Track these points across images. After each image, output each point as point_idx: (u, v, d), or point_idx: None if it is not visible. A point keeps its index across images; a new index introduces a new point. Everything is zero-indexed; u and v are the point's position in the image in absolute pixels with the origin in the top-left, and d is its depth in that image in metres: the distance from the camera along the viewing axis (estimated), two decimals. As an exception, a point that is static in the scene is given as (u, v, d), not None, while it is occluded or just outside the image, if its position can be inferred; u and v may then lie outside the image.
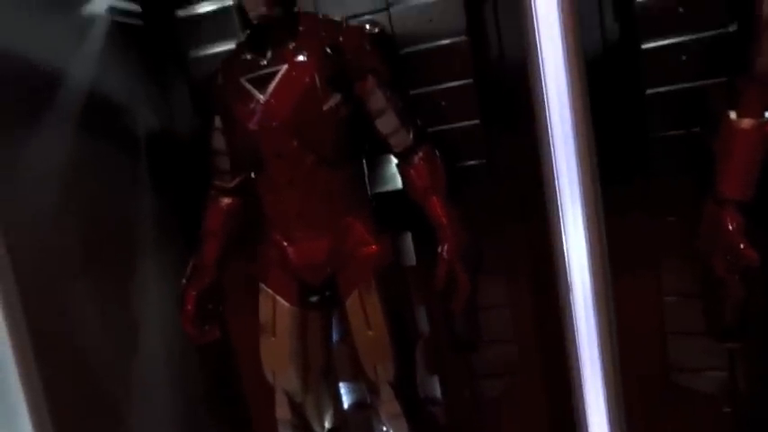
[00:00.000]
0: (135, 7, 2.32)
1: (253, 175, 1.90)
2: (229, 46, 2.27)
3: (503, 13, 2.13)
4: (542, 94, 1.32)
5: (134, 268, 2.17)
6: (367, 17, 2.12)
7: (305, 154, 1.73)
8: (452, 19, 2.09)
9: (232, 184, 1.98)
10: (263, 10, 1.68)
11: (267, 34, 1.75)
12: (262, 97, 1.72)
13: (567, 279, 1.26)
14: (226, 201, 1.99)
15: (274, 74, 1.71)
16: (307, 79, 1.70)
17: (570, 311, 1.31)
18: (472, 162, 2.16)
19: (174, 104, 2.41)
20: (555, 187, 1.27)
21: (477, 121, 2.15)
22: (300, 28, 1.77)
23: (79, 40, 2.02)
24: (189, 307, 1.95)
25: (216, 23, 2.28)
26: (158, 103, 2.37)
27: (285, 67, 1.71)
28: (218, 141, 1.94)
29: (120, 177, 2.15)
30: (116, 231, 2.10)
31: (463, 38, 2.08)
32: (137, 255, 2.19)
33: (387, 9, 2.15)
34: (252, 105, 1.73)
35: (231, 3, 2.24)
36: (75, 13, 2.02)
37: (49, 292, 1.74)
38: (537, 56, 1.27)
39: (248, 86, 1.74)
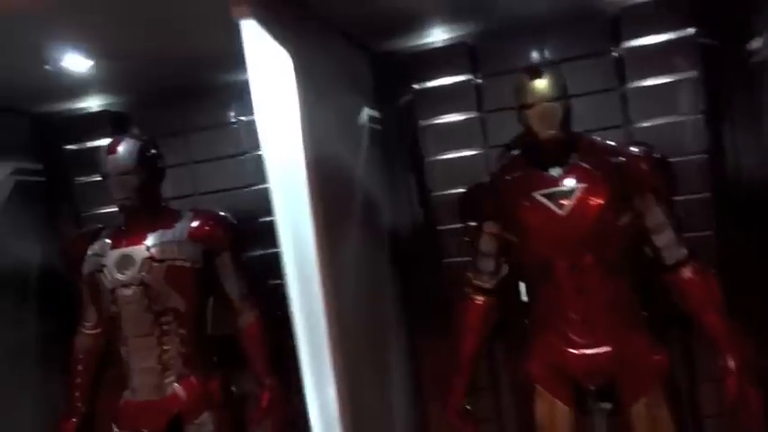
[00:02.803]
0: (378, 114, 2.57)
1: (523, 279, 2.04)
2: (462, 153, 2.52)
3: (739, 132, 2.30)
4: None
5: (384, 342, 2.35)
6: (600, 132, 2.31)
7: (597, 266, 1.86)
8: (690, 138, 2.26)
9: (491, 285, 2.11)
10: (553, 133, 1.87)
11: (550, 152, 1.93)
12: (561, 213, 1.87)
13: None
14: (483, 299, 2.11)
15: (571, 191, 1.88)
16: (603, 197, 1.85)
17: None
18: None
19: (407, 201, 2.63)
20: None
21: (710, 232, 2.28)
22: (580, 147, 1.95)
23: (357, 147, 2.25)
24: (457, 399, 2.06)
25: (454, 133, 2.51)
26: (397, 199, 2.59)
27: (582, 185, 1.87)
28: (487, 245, 2.08)
29: (374, 266, 2.32)
30: (375, 309, 2.26)
31: (704, 155, 2.25)
32: (385, 331, 2.37)
33: (620, 126, 2.34)
34: (549, 220, 1.87)
35: (471, 115, 2.50)
36: (353, 125, 2.28)
37: (357, 357, 1.87)
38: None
39: (544, 201, 1.89)
